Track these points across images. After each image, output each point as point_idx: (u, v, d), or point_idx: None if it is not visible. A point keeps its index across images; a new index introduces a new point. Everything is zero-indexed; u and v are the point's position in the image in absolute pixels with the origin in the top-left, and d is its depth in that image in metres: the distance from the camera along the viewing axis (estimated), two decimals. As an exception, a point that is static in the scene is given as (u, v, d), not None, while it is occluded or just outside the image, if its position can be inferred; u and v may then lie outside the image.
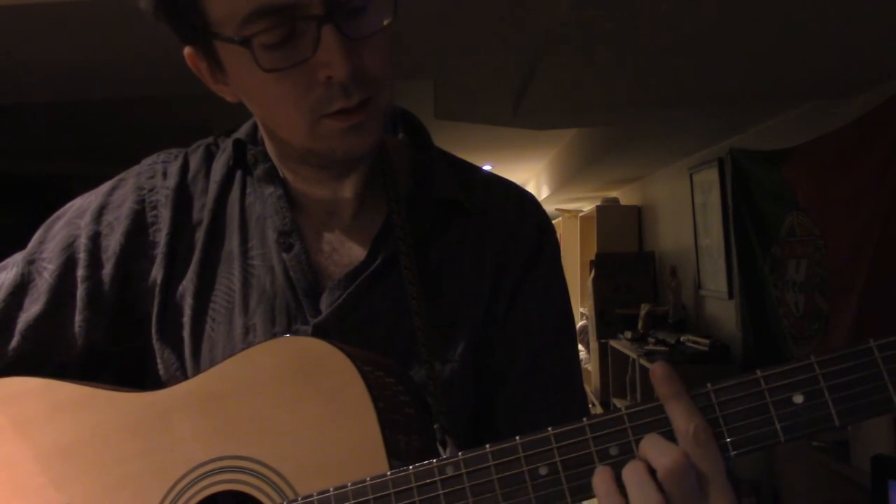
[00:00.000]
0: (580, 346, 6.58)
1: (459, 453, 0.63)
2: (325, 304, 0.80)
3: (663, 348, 4.38)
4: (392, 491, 0.64)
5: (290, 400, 0.69)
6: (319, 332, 0.78)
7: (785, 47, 2.26)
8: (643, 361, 4.37)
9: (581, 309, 6.79)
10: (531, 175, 7.43)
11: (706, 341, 4.06)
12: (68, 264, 0.84)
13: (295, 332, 0.79)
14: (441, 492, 0.63)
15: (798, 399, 0.56)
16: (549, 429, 0.61)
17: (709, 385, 0.59)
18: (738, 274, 3.89)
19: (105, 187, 0.88)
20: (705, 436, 0.57)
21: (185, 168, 0.87)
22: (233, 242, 0.84)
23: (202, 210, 0.85)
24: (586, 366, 6.41)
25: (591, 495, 0.61)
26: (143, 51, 2.10)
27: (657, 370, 0.59)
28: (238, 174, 0.87)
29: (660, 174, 5.52)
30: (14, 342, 0.83)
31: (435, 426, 0.75)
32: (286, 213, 0.83)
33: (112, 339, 0.85)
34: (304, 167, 0.82)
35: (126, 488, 0.74)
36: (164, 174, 0.87)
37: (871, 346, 0.55)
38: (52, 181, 4.32)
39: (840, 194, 2.87)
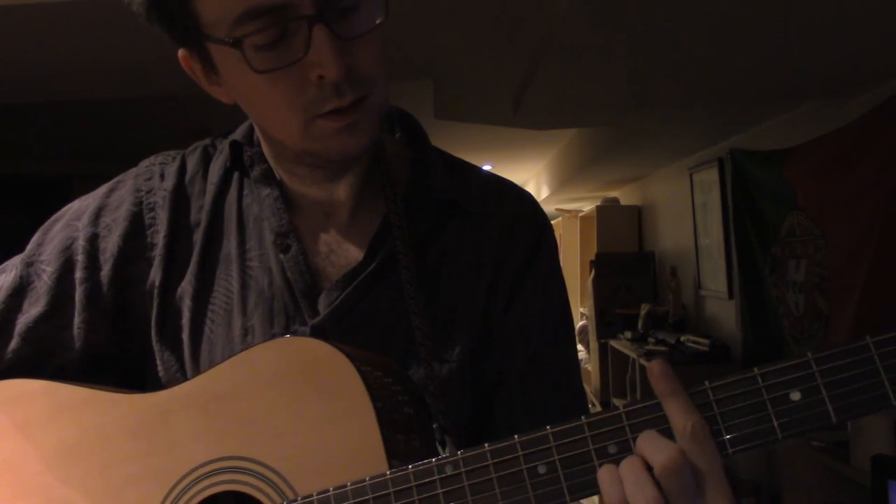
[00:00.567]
0: (580, 346, 6.59)
1: (458, 452, 0.63)
2: (322, 305, 0.80)
3: (663, 348, 4.38)
4: (391, 490, 0.64)
5: (289, 400, 0.69)
6: (317, 333, 0.78)
7: (785, 47, 2.26)
8: (643, 361, 4.37)
9: (581, 309, 6.79)
10: (531, 175, 7.43)
11: (706, 341, 4.06)
12: (67, 266, 0.84)
13: (293, 333, 0.79)
14: (440, 491, 0.63)
15: (795, 396, 0.57)
16: (548, 427, 0.61)
17: (706, 383, 0.59)
18: (738, 274, 3.89)
19: (103, 189, 0.88)
20: (702, 433, 0.57)
21: (182, 170, 0.87)
22: (231, 244, 0.84)
23: (200, 212, 0.85)
24: (586, 366, 6.41)
25: (589, 493, 0.61)
26: (143, 51, 2.10)
27: (654, 368, 0.59)
28: (235, 175, 0.87)
29: (660, 174, 5.52)
30: (13, 344, 0.83)
31: (434, 426, 0.75)
32: (283, 215, 0.83)
33: (111, 340, 0.85)
34: (299, 168, 0.82)
35: (127, 489, 0.74)
36: (162, 176, 0.87)
37: (868, 343, 0.55)
38: (52, 181, 4.32)
39: (840, 194, 2.87)
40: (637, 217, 6.20)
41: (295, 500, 0.68)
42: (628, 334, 5.01)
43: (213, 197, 0.85)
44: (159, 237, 0.84)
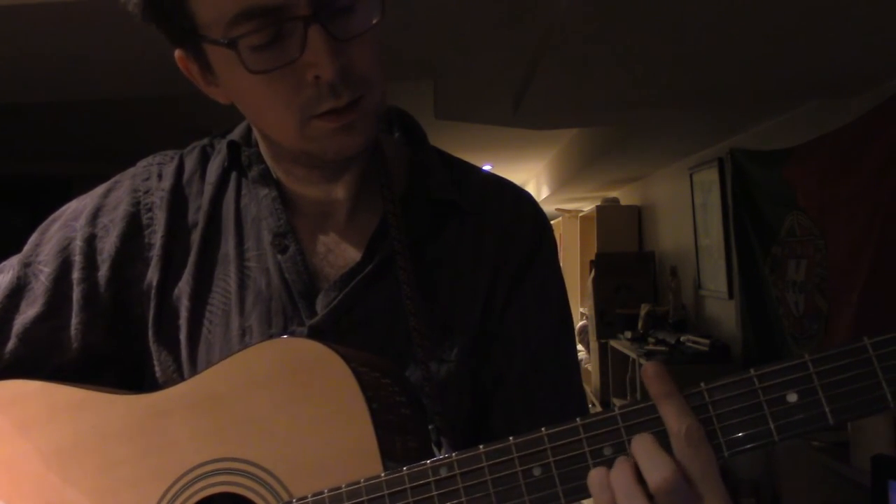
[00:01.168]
0: (580, 346, 6.59)
1: (453, 454, 0.63)
2: (320, 306, 0.80)
3: (663, 348, 4.38)
4: (386, 492, 0.64)
5: (284, 401, 0.69)
6: (315, 334, 0.78)
7: (785, 47, 2.26)
8: (643, 361, 4.36)
9: (581, 309, 6.79)
10: (531, 175, 7.43)
11: (706, 341, 4.06)
12: (64, 267, 0.84)
13: (291, 334, 0.79)
14: (435, 493, 0.62)
15: (792, 398, 0.56)
16: (543, 429, 0.61)
17: (702, 384, 0.58)
18: (738, 274, 3.89)
19: (100, 189, 0.88)
20: (697, 436, 0.57)
21: (180, 170, 0.87)
22: (228, 244, 0.83)
23: (198, 212, 0.85)
24: (586, 366, 6.41)
25: (585, 496, 0.61)
26: (143, 51, 2.10)
27: (648, 369, 0.59)
28: (233, 176, 0.86)
29: (660, 174, 5.52)
30: (10, 345, 0.83)
31: (430, 427, 0.75)
32: (281, 215, 0.82)
33: (109, 341, 0.84)
34: (297, 168, 0.82)
35: (123, 491, 0.74)
36: (160, 176, 0.87)
37: (866, 344, 0.55)
38: (52, 181, 4.33)
39: (840, 194, 2.87)
40: (637, 217, 6.20)
41: (290, 502, 0.67)
42: (628, 334, 5.01)
43: (211, 197, 0.85)
44: (157, 237, 0.84)
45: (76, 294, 0.83)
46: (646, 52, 2.27)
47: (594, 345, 5.78)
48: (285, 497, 0.68)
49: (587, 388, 5.86)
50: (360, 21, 0.70)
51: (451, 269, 0.83)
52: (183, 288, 0.82)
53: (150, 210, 0.85)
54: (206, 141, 0.90)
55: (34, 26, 1.97)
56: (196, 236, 0.84)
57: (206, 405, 0.72)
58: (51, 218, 0.89)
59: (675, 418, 0.57)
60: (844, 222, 2.85)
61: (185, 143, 0.91)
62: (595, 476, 0.59)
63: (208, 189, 0.86)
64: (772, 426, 0.57)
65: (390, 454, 0.66)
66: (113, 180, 0.89)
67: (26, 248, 0.87)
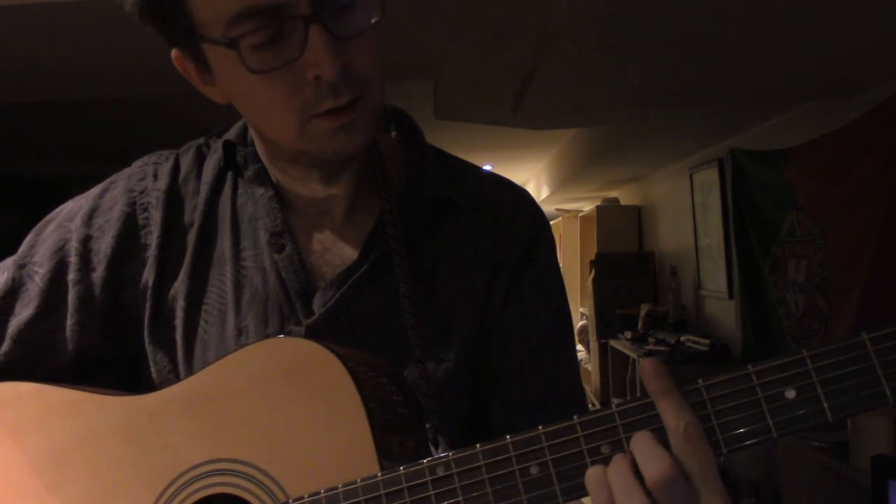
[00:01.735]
0: (580, 346, 6.58)
1: (450, 453, 0.62)
2: (317, 305, 0.79)
3: (663, 348, 4.37)
4: (383, 492, 0.63)
5: (280, 401, 0.69)
6: (312, 333, 0.78)
7: (785, 47, 2.25)
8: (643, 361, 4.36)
9: (581, 309, 6.79)
10: (531, 175, 7.43)
11: (706, 341, 4.06)
12: (59, 268, 0.83)
13: (288, 333, 0.78)
14: (432, 492, 0.62)
15: (790, 394, 0.56)
16: (540, 427, 0.61)
17: (700, 381, 0.58)
18: (738, 274, 3.89)
19: (95, 190, 0.88)
20: (695, 433, 0.56)
21: (176, 169, 0.87)
22: (224, 244, 0.83)
23: (193, 212, 0.85)
24: (586, 366, 6.41)
25: (582, 494, 0.60)
26: (143, 51, 2.10)
27: (646, 366, 0.59)
28: (229, 175, 0.86)
29: (660, 174, 5.52)
30: (5, 347, 0.83)
31: (427, 426, 0.75)
32: (277, 214, 0.82)
33: (104, 342, 0.84)
34: (294, 167, 0.82)
35: (118, 493, 0.74)
36: (155, 176, 0.86)
37: (864, 340, 0.54)
38: (51, 181, 4.33)
39: (840, 194, 2.87)
40: (637, 217, 6.20)
41: (286, 503, 0.67)
42: (628, 334, 5.01)
43: (207, 197, 0.85)
44: (153, 238, 0.83)
45: (71, 295, 0.82)
46: (646, 52, 2.27)
47: (594, 345, 5.77)
48: (282, 498, 0.68)
49: (587, 389, 5.86)
50: (361, 20, 0.70)
51: (448, 268, 0.83)
52: (179, 288, 0.82)
53: (145, 210, 0.85)
54: (201, 140, 0.90)
55: (34, 26, 1.97)
56: (192, 236, 0.84)
57: (202, 406, 0.72)
58: (46, 219, 0.88)
59: (672, 415, 0.57)
60: (844, 222, 2.85)
61: (184, 143, 0.91)
62: (593, 474, 0.58)
63: (204, 189, 0.85)
64: (770, 422, 0.56)
65: (387, 454, 0.66)
66: (108, 180, 0.88)
67: (21, 249, 0.86)
